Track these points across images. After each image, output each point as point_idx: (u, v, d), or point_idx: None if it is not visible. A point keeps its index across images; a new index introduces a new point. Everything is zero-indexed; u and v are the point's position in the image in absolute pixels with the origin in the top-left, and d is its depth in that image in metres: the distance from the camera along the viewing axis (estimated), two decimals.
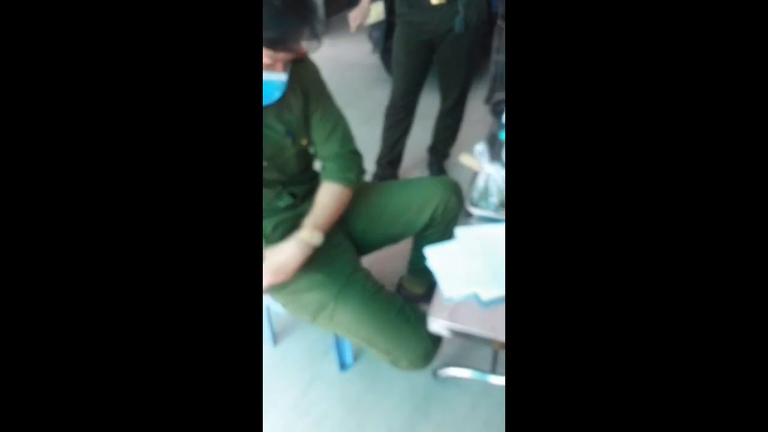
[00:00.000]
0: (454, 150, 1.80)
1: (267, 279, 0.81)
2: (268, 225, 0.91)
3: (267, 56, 0.68)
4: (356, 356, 1.18)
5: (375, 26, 2.22)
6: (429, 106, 1.76)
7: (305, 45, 0.68)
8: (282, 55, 0.70)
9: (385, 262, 1.40)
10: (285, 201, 0.91)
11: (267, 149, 0.83)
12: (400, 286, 1.31)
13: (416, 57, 1.49)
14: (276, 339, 1.24)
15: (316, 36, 0.68)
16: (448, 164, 1.85)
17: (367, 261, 1.05)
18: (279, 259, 0.82)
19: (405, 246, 1.17)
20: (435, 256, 0.85)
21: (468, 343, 1.18)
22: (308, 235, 0.84)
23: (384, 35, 2.26)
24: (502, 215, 0.94)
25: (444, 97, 1.65)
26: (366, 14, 1.44)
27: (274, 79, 0.73)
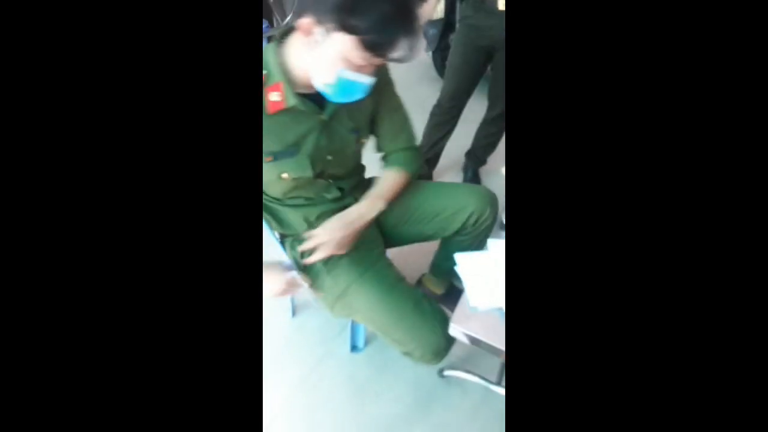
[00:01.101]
0: (491, 159, 1.80)
1: (338, 233, 0.87)
2: (313, 213, 0.95)
3: (362, 59, 0.69)
4: (368, 341, 1.22)
5: (432, 24, 2.21)
6: (475, 111, 1.77)
7: (400, 54, 0.69)
8: (377, 60, 0.70)
9: (408, 257, 1.42)
10: (333, 193, 0.95)
11: (334, 144, 0.87)
12: (419, 283, 1.34)
13: (472, 61, 1.49)
14: (295, 311, 1.29)
15: (413, 47, 0.69)
16: (483, 171, 1.85)
17: (391, 253, 1.08)
18: (350, 214, 0.90)
19: (431, 244, 1.19)
20: (465, 262, 0.87)
21: (478, 350, 1.21)
22: (374, 200, 0.92)
23: (440, 34, 2.25)
24: None
25: (491, 106, 1.65)
26: (434, 9, 1.45)
27: (361, 81, 0.74)
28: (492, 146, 1.76)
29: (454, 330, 0.79)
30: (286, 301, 1.28)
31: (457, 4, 1.46)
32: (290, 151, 0.83)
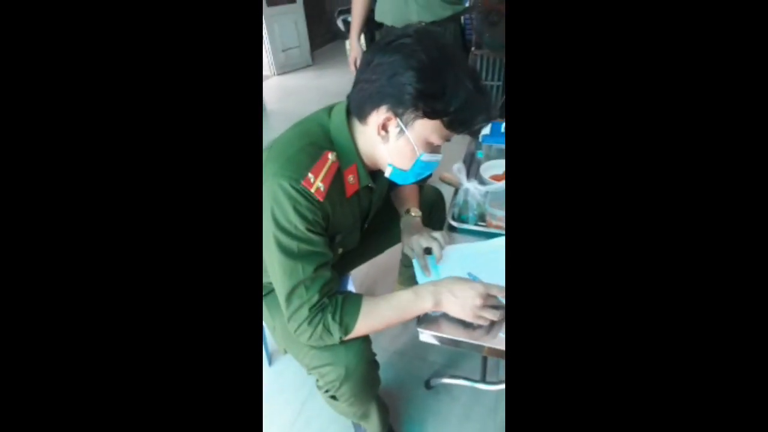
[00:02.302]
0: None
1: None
2: (309, 268, 0.75)
3: (443, 138, 0.68)
4: None
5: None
6: None
7: (479, 126, 0.69)
8: (449, 136, 0.70)
9: (377, 276, 1.45)
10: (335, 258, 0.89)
11: (375, 211, 0.88)
12: None
13: None
14: (271, 359, 1.27)
15: (487, 122, 0.70)
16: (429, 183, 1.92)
17: (360, 272, 1.10)
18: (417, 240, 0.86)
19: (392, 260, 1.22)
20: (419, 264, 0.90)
21: (457, 352, 1.22)
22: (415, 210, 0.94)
23: None
24: (481, 228, 1.00)
25: None
26: (359, 52, 1.55)
27: (436, 159, 0.73)
28: None
29: (425, 335, 0.80)
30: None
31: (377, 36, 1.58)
32: (355, 227, 0.82)
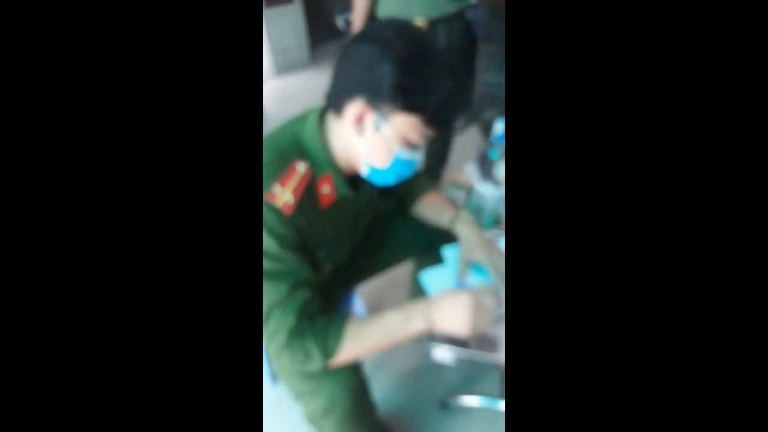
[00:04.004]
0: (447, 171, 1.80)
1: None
2: (283, 288, 0.66)
3: (422, 136, 0.64)
4: None
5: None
6: None
7: (458, 125, 0.66)
8: (433, 134, 0.65)
9: (384, 291, 1.37)
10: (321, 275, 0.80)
11: (366, 222, 0.82)
12: None
13: None
14: (276, 377, 1.20)
15: (468, 117, 0.67)
16: (442, 186, 1.85)
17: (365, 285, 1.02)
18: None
19: (403, 273, 1.14)
20: (431, 281, 0.82)
21: (475, 371, 1.15)
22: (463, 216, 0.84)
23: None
24: (496, 233, 0.92)
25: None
26: None
27: (416, 158, 0.67)
28: (443, 160, 1.76)
29: (439, 354, 0.74)
30: (265, 368, 1.18)
31: None
32: (341, 240, 0.76)
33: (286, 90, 3.85)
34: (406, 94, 0.59)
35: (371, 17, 1.50)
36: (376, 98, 0.60)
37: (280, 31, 4.13)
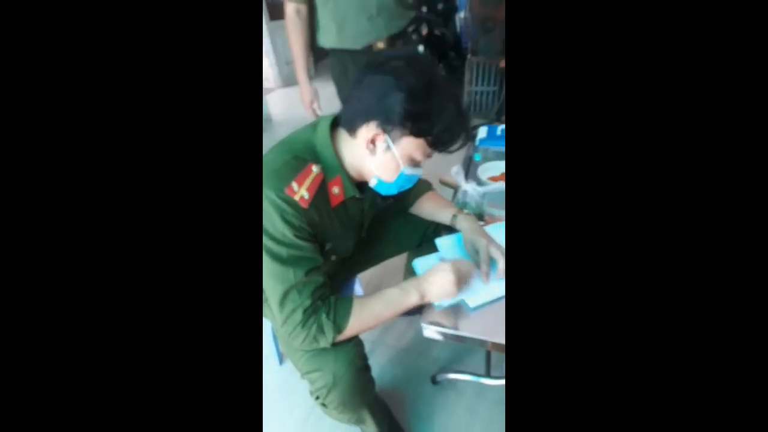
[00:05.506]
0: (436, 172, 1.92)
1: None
2: (300, 272, 0.77)
3: (425, 155, 0.75)
4: None
5: None
6: None
7: (458, 146, 0.76)
8: (431, 153, 0.76)
9: (382, 276, 1.49)
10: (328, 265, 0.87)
11: (369, 220, 0.91)
12: None
13: None
14: (282, 358, 1.31)
15: (468, 138, 0.77)
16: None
17: (366, 272, 1.12)
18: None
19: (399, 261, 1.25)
20: (422, 267, 0.94)
21: (461, 347, 1.26)
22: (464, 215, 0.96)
23: None
24: (481, 225, 1.04)
25: None
26: (313, 93, 1.50)
27: (418, 173, 0.78)
28: None
29: (429, 332, 0.82)
30: (272, 349, 1.29)
31: None
32: (347, 235, 0.86)
33: (291, 99, 4.00)
34: (414, 121, 0.69)
35: (313, 48, 1.50)
36: (388, 123, 0.70)
37: (285, 43, 4.22)
